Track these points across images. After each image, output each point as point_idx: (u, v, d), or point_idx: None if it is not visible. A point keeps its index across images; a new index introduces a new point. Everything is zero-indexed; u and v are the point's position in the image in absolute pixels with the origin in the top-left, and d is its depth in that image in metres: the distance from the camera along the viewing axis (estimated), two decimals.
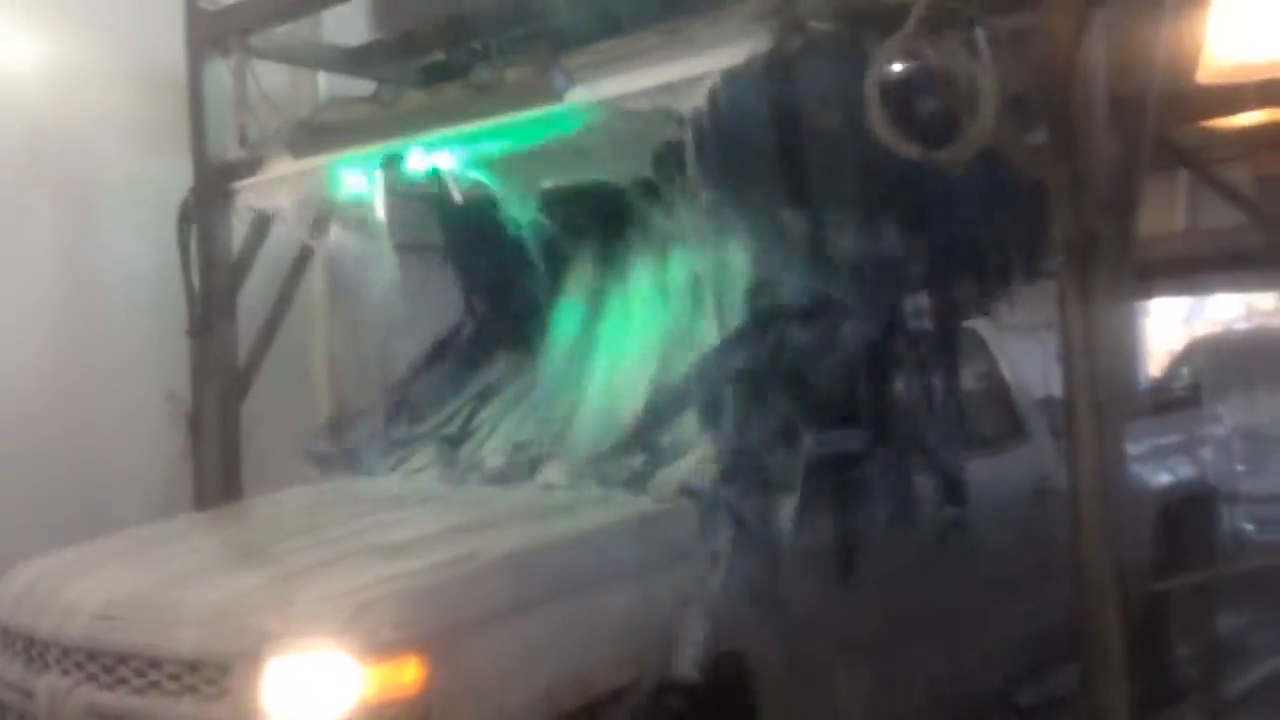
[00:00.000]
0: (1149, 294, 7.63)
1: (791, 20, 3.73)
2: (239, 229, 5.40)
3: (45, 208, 5.51)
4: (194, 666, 2.93)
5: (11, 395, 5.22)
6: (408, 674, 2.79)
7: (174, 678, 2.96)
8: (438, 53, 5.28)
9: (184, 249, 5.38)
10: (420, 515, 3.80)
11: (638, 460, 3.76)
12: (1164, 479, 5.29)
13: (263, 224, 5.30)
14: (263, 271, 5.51)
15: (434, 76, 5.08)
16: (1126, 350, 5.30)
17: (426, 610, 2.88)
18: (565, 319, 4.67)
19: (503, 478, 4.07)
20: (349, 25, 5.91)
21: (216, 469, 5.33)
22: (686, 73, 3.77)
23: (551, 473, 3.98)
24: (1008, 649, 4.53)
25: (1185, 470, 5.50)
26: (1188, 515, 5.33)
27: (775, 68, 3.77)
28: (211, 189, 5.32)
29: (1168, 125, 3.89)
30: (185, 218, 5.38)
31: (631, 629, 3.20)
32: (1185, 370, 8.97)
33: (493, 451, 4.27)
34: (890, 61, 3.40)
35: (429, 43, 5.24)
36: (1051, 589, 4.48)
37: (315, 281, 6.16)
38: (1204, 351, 9.14)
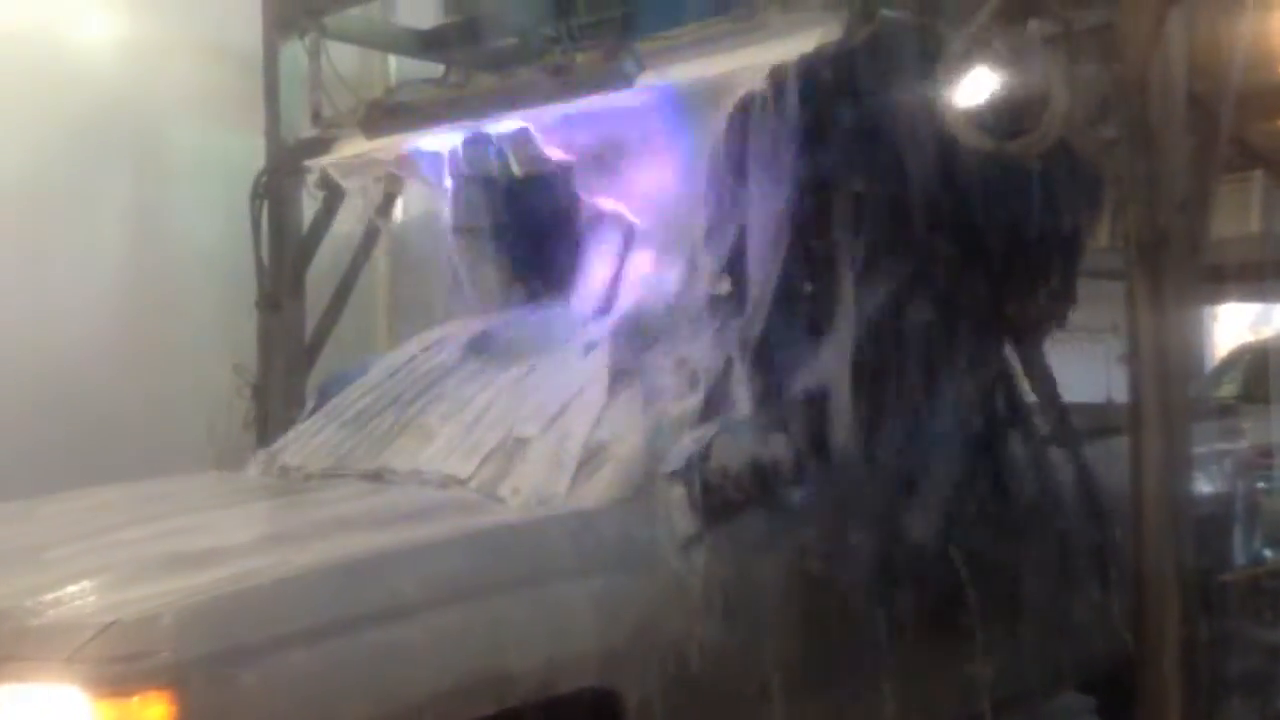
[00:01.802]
0: (1218, 298, 7.47)
1: (863, 8, 3.73)
2: (309, 206, 5.50)
3: (121, 181, 5.66)
4: None
5: (83, 364, 5.36)
6: (152, 713, 2.34)
7: None
8: (510, 37, 5.33)
9: (255, 225, 5.49)
10: (249, 517, 3.43)
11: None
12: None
13: (332, 202, 5.39)
14: (330, 249, 5.60)
15: (505, 60, 5.13)
16: (1193, 354, 5.16)
17: (183, 637, 2.41)
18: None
19: (385, 477, 3.61)
20: (421, 8, 5.99)
21: None
22: (756, 59, 3.77)
23: (443, 466, 3.49)
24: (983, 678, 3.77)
25: (1210, 484, 4.98)
26: (1210, 531, 5.01)
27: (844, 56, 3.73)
28: (284, 166, 5.42)
29: (1246, 124, 3.83)
30: (258, 194, 5.48)
31: (472, 659, 2.72)
32: (1228, 378, 8.69)
33: (384, 449, 3.77)
34: (964, 52, 3.38)
35: (502, 27, 5.29)
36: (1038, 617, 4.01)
37: (380, 260, 6.24)
38: (1249, 359, 8.84)
